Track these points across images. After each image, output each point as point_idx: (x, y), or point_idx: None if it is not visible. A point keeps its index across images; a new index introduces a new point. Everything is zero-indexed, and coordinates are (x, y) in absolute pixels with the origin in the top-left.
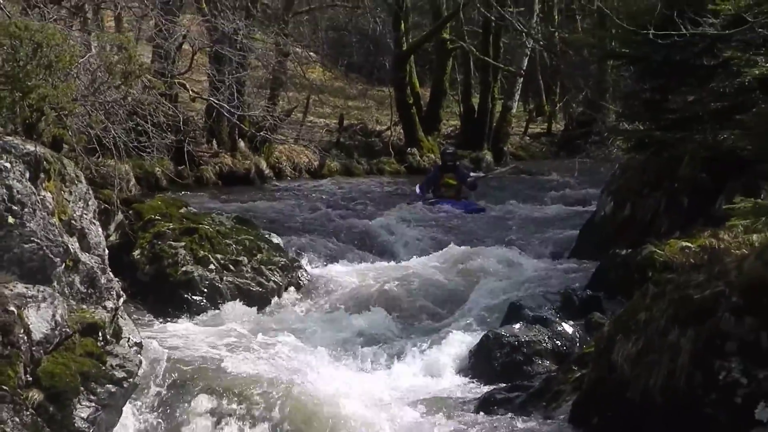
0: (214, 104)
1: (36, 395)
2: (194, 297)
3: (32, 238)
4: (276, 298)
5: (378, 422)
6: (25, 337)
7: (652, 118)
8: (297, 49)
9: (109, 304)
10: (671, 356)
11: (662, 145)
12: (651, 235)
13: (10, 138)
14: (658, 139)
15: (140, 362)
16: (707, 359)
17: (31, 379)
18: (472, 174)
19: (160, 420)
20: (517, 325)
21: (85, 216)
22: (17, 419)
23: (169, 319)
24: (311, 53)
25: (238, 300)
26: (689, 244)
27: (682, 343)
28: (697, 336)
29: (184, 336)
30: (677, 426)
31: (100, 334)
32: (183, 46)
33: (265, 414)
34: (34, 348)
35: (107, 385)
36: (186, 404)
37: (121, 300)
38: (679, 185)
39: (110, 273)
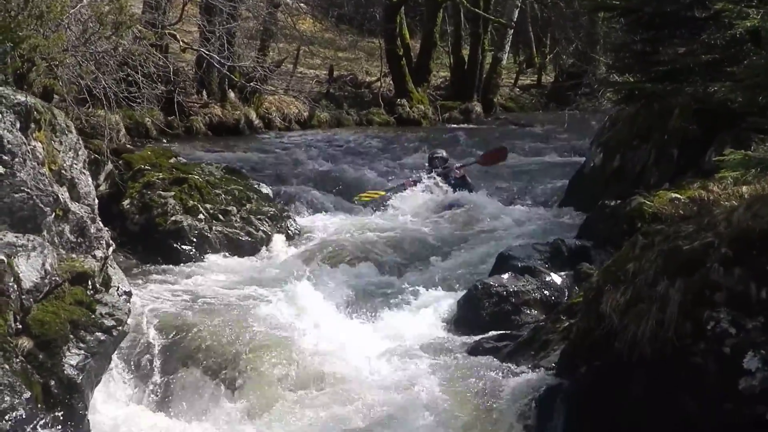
0: (205, 55)
1: (26, 343)
2: (183, 246)
3: (22, 188)
4: (265, 247)
5: (365, 372)
6: (15, 286)
7: (643, 70)
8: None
9: (99, 253)
10: (660, 307)
11: (652, 97)
12: (640, 186)
13: (1, 88)
14: (649, 91)
15: (129, 311)
16: (696, 310)
17: (20, 326)
18: (456, 167)
19: (148, 368)
20: (506, 275)
21: (75, 166)
22: (7, 366)
23: (158, 268)
24: (302, 4)
25: (227, 249)
26: (679, 196)
27: (671, 293)
28: (686, 287)
29: (173, 285)
30: (665, 376)
31: (89, 282)
32: None
33: (252, 364)
34: (23, 296)
35: (96, 333)
36: (175, 353)
37: (111, 249)
38: (669, 137)
39: (100, 222)
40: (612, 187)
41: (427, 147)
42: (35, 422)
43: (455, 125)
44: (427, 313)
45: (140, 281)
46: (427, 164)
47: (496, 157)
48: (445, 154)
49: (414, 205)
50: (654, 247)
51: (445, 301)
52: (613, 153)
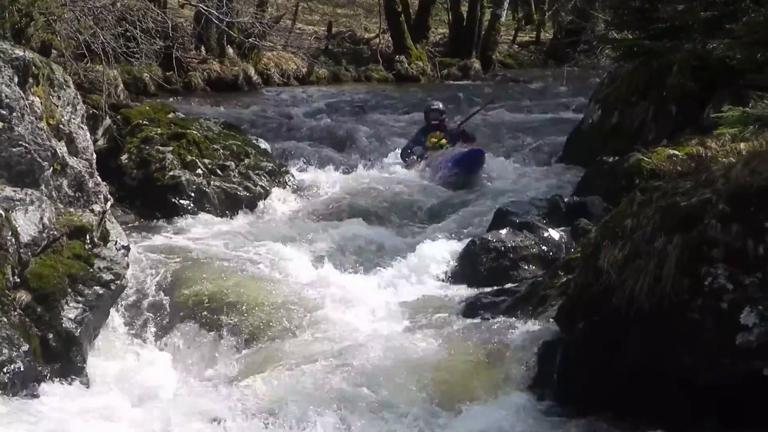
0: (203, 10)
1: (24, 296)
2: (181, 201)
3: (20, 142)
4: (263, 202)
5: (362, 327)
6: (13, 240)
7: (642, 27)
8: None
9: (97, 208)
10: (658, 262)
11: (651, 54)
12: (638, 142)
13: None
14: (647, 48)
15: (127, 265)
16: (694, 265)
17: (18, 280)
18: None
19: (146, 322)
20: (504, 231)
21: (73, 121)
22: (5, 319)
23: (156, 223)
24: None
25: (225, 204)
26: (677, 152)
27: (669, 249)
28: (683, 243)
29: (172, 239)
30: (663, 331)
31: (87, 237)
32: None
33: (249, 318)
34: (21, 250)
35: (95, 287)
36: (173, 306)
37: (109, 204)
38: (668, 94)
39: (98, 177)
40: (610, 144)
41: (425, 102)
42: (34, 375)
43: (453, 81)
44: (425, 269)
45: (138, 236)
46: (424, 115)
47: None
48: (441, 106)
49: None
50: (652, 203)
51: (443, 257)
52: (611, 109)
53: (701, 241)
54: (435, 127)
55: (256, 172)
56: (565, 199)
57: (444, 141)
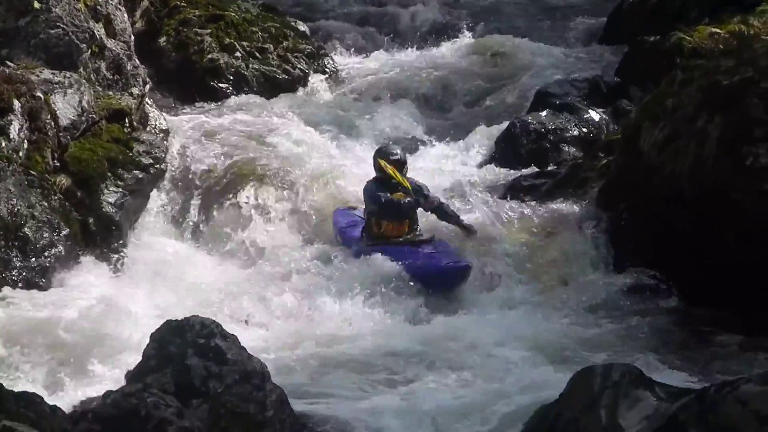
0: None
1: (64, 180)
2: (220, 84)
3: (58, 24)
4: (301, 85)
5: None
6: (52, 123)
7: None
8: None
9: (136, 91)
10: (699, 142)
11: None
12: (680, 21)
13: None
14: None
15: (167, 148)
16: (735, 145)
17: (58, 164)
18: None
19: (186, 204)
20: (544, 113)
21: (110, 1)
22: (45, 203)
23: (195, 107)
24: None
25: (263, 87)
26: (718, 30)
27: (710, 129)
28: (725, 122)
29: (211, 123)
30: (703, 211)
31: (126, 120)
32: None
33: (292, 199)
34: (61, 134)
35: (134, 171)
36: (212, 190)
37: (147, 87)
38: None
39: (136, 60)
40: (651, 23)
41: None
42: (75, 258)
43: None
44: (464, 150)
45: (177, 119)
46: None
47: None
48: (402, 153)
49: (452, 48)
50: (693, 82)
51: (483, 139)
52: None
53: (743, 120)
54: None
55: (295, 54)
56: (606, 80)
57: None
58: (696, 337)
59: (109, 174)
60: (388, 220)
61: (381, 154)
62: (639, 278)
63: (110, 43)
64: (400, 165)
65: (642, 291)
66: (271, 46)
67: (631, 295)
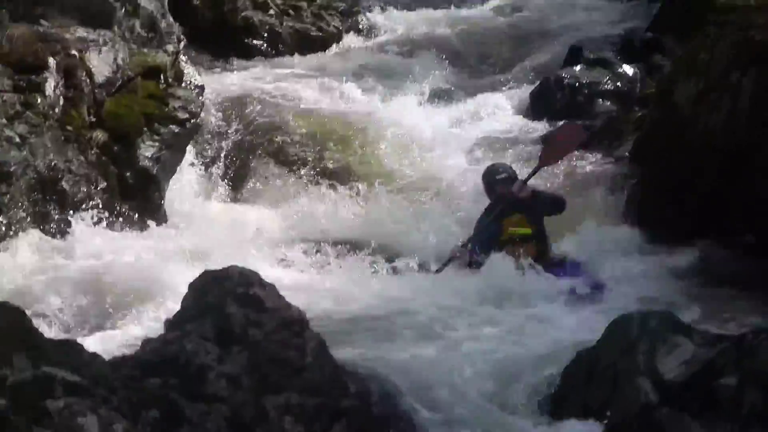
0: None
1: (100, 135)
2: (254, 42)
3: None
4: (335, 42)
5: (441, 156)
6: (88, 80)
7: None
8: None
9: (170, 48)
10: (732, 96)
11: None
12: None
13: None
14: None
15: (202, 104)
16: None
17: (95, 120)
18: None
19: (222, 160)
20: (578, 67)
21: None
22: (83, 158)
23: (229, 64)
24: None
25: (297, 45)
26: None
27: (744, 83)
28: (758, 76)
29: (245, 80)
30: (738, 164)
31: (161, 77)
32: None
33: (326, 156)
34: (96, 90)
35: (170, 126)
36: (247, 146)
37: (182, 44)
38: None
39: (170, 17)
40: None
41: None
42: (113, 211)
43: None
44: (498, 105)
45: (212, 76)
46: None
47: (569, 138)
48: (510, 170)
49: (484, 6)
50: (727, 37)
51: (516, 93)
52: None
53: None
54: (510, 204)
55: (329, 12)
56: (639, 35)
57: (526, 227)
58: (729, 287)
59: (146, 129)
60: None
61: (487, 175)
62: (671, 230)
63: (144, 2)
64: (510, 182)
65: (672, 243)
66: (305, 3)
67: (661, 246)
